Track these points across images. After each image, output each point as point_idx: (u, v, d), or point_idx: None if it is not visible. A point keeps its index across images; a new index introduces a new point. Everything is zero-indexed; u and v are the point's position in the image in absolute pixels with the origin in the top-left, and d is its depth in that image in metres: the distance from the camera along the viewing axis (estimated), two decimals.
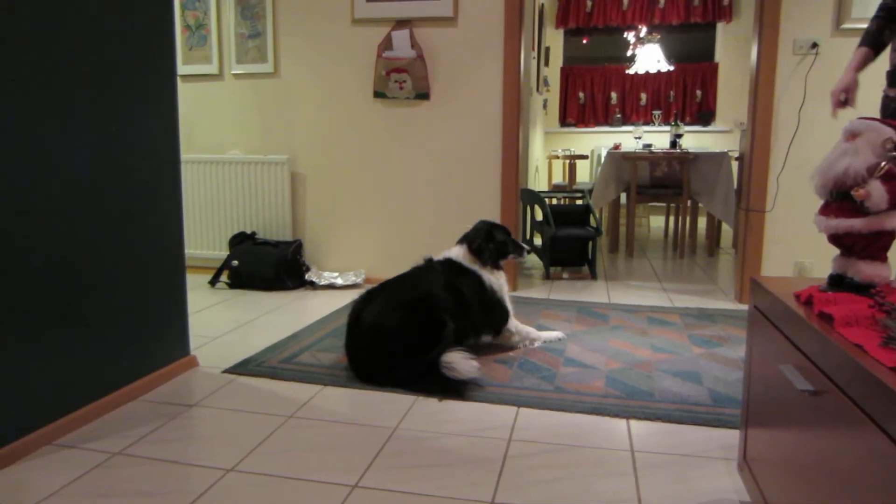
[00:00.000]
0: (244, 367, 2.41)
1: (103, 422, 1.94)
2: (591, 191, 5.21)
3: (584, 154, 6.88)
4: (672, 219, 5.77)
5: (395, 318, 2.30)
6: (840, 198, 1.19)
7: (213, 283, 3.79)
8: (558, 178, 7.28)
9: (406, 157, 3.81)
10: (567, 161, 6.44)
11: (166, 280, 2.29)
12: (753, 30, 3.46)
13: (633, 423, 1.97)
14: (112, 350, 2.04)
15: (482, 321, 2.56)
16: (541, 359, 2.52)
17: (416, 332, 2.28)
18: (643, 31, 7.05)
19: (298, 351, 2.60)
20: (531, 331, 2.71)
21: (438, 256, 2.63)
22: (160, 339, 2.27)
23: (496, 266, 2.66)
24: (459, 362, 2.21)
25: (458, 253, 2.62)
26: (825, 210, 1.24)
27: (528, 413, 2.04)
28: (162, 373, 2.25)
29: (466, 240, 2.66)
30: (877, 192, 1.10)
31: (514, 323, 2.65)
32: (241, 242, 3.86)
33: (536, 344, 2.69)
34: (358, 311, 2.37)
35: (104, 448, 1.77)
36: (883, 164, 1.11)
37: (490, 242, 2.62)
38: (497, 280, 2.62)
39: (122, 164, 2.06)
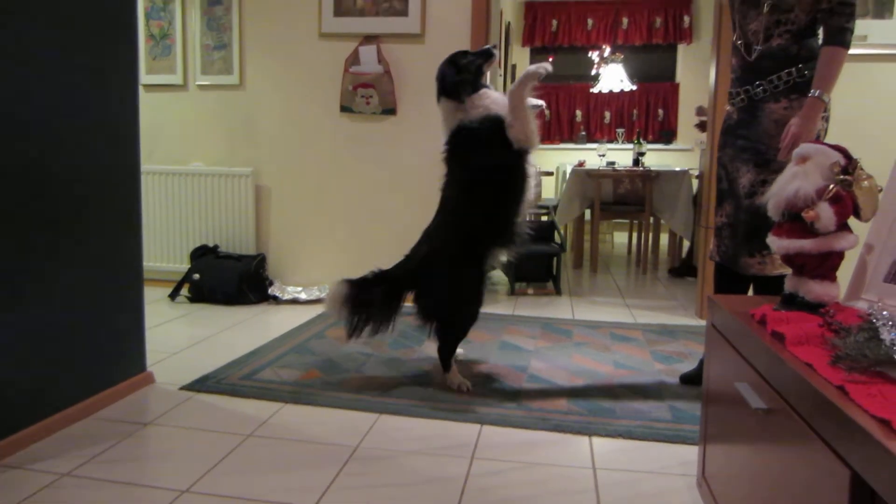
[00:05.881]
0: (202, 384, 2.35)
1: (52, 441, 1.87)
2: (555, 207, 5.26)
3: (550, 171, 6.95)
4: (635, 235, 5.86)
5: None
6: (791, 219, 1.23)
7: (173, 296, 3.71)
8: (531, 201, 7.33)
9: (372, 172, 3.80)
10: None
11: (123, 293, 2.23)
12: (712, 52, 3.55)
13: (596, 440, 1.98)
14: (64, 365, 1.98)
15: None
16: (504, 375, 2.52)
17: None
18: (607, 50, 7.19)
19: (259, 367, 2.56)
20: None
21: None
22: (115, 354, 2.21)
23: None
24: None
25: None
26: (778, 231, 1.27)
27: (491, 430, 2.03)
28: (116, 390, 2.19)
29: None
30: (825, 213, 1.14)
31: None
32: (203, 255, 3.79)
33: None
34: None
35: (52, 469, 1.70)
36: (831, 186, 1.14)
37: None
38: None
39: (79, 174, 2.01)
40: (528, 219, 5.09)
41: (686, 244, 5.12)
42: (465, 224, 2.34)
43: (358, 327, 2.32)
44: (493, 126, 2.30)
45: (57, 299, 1.94)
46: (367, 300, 2.32)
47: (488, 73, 2.52)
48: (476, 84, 2.39)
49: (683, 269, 4.83)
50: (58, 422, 1.94)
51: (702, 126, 5.02)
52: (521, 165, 2.34)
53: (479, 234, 2.34)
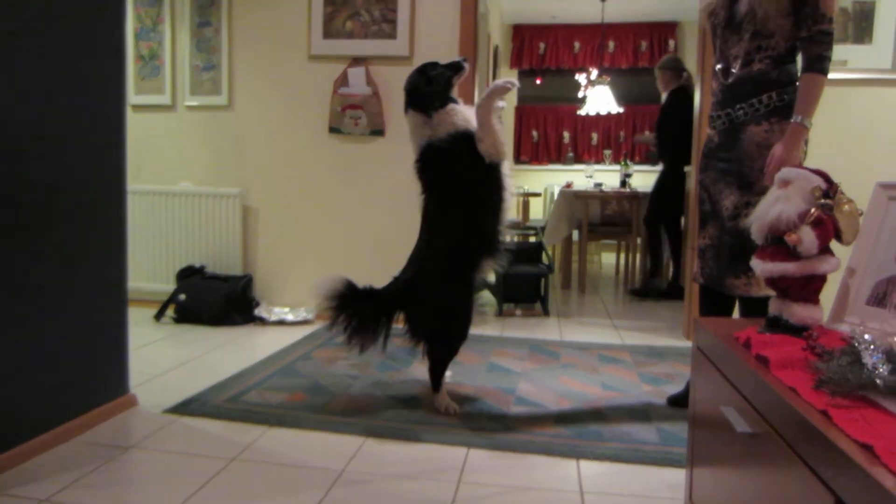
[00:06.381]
0: (186, 407, 2.32)
1: (31, 465, 1.83)
2: (543, 228, 5.28)
3: (538, 192, 6.99)
4: (623, 256, 5.89)
5: None
6: (775, 242, 1.24)
7: (158, 317, 3.67)
8: (512, 215, 7.36)
9: (361, 193, 3.81)
10: (521, 198, 6.52)
11: (106, 313, 2.21)
12: (696, 75, 3.60)
13: (583, 463, 1.96)
14: (43, 387, 1.94)
15: None
16: (492, 398, 2.51)
17: None
18: (594, 73, 7.27)
19: (245, 389, 2.53)
20: None
21: None
22: (97, 376, 2.17)
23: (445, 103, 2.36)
24: None
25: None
26: (761, 254, 1.28)
27: (479, 454, 2.01)
28: (98, 412, 2.15)
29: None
30: (807, 237, 1.15)
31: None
32: (190, 276, 3.76)
33: None
34: None
35: (30, 494, 1.67)
36: (812, 210, 1.15)
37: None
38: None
39: (64, 191, 1.99)
40: (512, 238, 5.11)
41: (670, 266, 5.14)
42: (449, 240, 2.34)
43: (344, 332, 2.31)
44: (462, 143, 2.29)
45: (37, 320, 1.92)
46: (357, 311, 2.31)
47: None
48: (444, 97, 2.36)
49: (670, 291, 4.85)
50: (37, 446, 1.90)
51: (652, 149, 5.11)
52: (495, 177, 2.34)
53: (463, 248, 2.33)
